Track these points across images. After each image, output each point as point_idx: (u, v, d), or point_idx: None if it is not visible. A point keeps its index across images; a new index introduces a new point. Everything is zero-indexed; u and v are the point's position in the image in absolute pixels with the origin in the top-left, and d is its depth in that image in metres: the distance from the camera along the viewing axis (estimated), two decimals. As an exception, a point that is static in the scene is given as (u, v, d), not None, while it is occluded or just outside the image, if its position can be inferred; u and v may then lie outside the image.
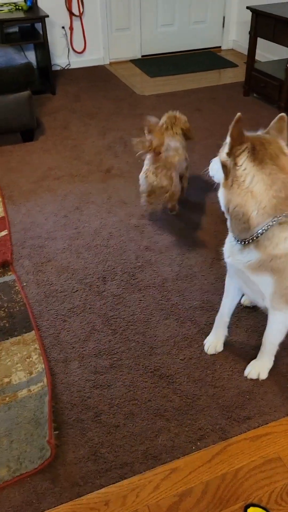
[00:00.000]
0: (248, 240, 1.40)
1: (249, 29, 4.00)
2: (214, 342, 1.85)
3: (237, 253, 1.49)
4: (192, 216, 2.62)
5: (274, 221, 1.33)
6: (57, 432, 1.56)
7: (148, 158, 2.33)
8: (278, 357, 1.75)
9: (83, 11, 4.71)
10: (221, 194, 1.41)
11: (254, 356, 1.78)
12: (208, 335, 1.90)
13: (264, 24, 3.80)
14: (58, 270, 2.27)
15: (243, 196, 1.32)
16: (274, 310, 1.57)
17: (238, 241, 1.45)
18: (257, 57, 4.20)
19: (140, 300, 2.10)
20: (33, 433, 1.54)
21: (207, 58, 5.22)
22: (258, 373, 1.74)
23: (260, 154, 1.29)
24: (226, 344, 1.87)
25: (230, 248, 1.53)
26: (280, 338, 1.67)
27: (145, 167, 2.36)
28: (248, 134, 1.34)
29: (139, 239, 2.48)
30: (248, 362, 1.77)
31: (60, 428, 1.58)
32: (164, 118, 2.62)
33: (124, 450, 1.52)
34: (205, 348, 1.85)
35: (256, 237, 1.38)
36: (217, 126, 3.65)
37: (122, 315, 2.02)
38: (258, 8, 3.81)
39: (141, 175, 2.38)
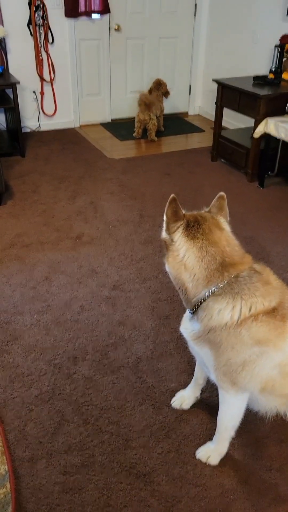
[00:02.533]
0: (192, 310, 1.44)
1: (213, 97, 4.17)
2: (182, 398, 1.86)
3: (186, 322, 1.53)
4: (164, 288, 2.56)
5: (209, 292, 1.37)
6: None
7: (139, 106, 4.64)
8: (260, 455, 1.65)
9: (54, 77, 4.81)
10: (166, 267, 1.48)
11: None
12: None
13: (229, 96, 3.96)
14: (25, 349, 2.13)
15: (178, 269, 1.40)
16: (222, 390, 1.52)
17: (190, 310, 1.49)
18: (224, 124, 4.36)
19: (114, 383, 1.97)
20: None
21: (175, 123, 5.39)
22: (208, 457, 1.65)
23: (193, 230, 1.38)
24: (205, 434, 1.75)
25: (184, 317, 1.58)
26: (232, 422, 1.58)
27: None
28: (187, 212, 1.43)
29: (111, 313, 2.38)
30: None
31: None
32: (152, 83, 4.90)
33: None
34: (173, 399, 1.87)
35: (196, 308, 1.42)
36: (186, 191, 3.69)
37: (94, 402, 1.88)
38: (223, 81, 3.99)
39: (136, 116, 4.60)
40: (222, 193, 1.47)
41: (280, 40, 4.10)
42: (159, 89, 4.90)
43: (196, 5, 5.18)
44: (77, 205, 3.46)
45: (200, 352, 1.49)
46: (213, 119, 4.34)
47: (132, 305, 2.43)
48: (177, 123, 5.40)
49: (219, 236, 1.40)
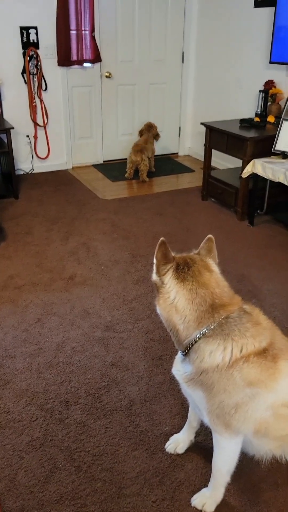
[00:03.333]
0: (184, 352, 1.44)
1: (202, 138, 4.31)
2: (177, 442, 1.83)
3: (178, 364, 1.53)
4: (156, 328, 2.55)
5: (201, 334, 1.37)
6: None
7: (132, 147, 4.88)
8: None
9: (47, 122, 4.96)
10: (157, 310, 1.48)
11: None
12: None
13: (217, 138, 4.09)
14: (17, 394, 2.10)
15: (169, 311, 1.41)
16: (215, 434, 1.50)
17: (181, 352, 1.48)
18: (213, 164, 4.47)
19: (106, 428, 1.93)
20: None
21: (166, 164, 5.53)
22: (203, 504, 1.61)
23: (183, 273, 1.40)
24: (200, 480, 1.71)
25: (177, 358, 1.57)
26: (227, 466, 1.55)
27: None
28: (177, 255, 1.45)
29: (104, 354, 2.36)
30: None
31: None
32: (143, 126, 5.11)
33: None
34: (167, 443, 1.84)
35: (188, 350, 1.41)
36: (178, 231, 3.74)
37: (87, 447, 1.84)
38: (211, 124, 4.13)
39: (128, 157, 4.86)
40: (210, 235, 1.51)
41: (264, 85, 4.28)
42: (150, 131, 5.09)
43: (183, 53, 5.43)
44: (69, 246, 3.50)
45: (192, 394, 1.48)
46: (203, 159, 4.47)
47: (125, 346, 2.42)
48: (168, 164, 5.54)
49: (208, 278, 1.42)
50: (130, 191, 4.72)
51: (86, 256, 3.34)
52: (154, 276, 1.45)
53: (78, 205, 4.27)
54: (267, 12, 4.25)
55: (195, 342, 1.40)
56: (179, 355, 1.54)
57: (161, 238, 1.40)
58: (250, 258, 3.33)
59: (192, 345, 1.41)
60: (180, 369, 1.51)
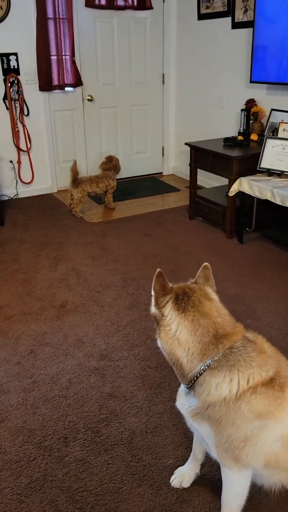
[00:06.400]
0: (188, 385, 1.39)
1: (185, 157, 4.33)
2: (182, 476, 1.77)
3: (182, 397, 1.47)
4: (153, 354, 2.50)
5: (205, 366, 1.34)
6: None
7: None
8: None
9: (30, 147, 4.93)
10: (158, 343, 1.43)
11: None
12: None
13: (202, 157, 4.11)
14: (12, 432, 2.01)
15: (171, 344, 1.36)
16: (224, 467, 1.45)
17: (185, 385, 1.43)
18: (198, 182, 4.48)
19: (108, 464, 1.86)
20: None
21: (151, 184, 5.54)
22: None
23: (183, 303, 1.36)
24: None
25: (180, 391, 1.52)
26: (237, 501, 1.49)
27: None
28: (174, 285, 1.41)
29: (101, 385, 2.30)
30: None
31: None
32: (104, 158, 4.81)
33: None
34: (172, 478, 1.78)
35: (192, 383, 1.37)
36: (167, 251, 3.72)
37: (89, 487, 1.77)
38: (195, 144, 4.16)
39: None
40: (206, 263, 1.48)
41: (246, 104, 4.34)
42: (108, 163, 4.75)
43: (163, 74, 5.50)
44: (59, 272, 3.44)
45: (199, 429, 1.43)
46: (187, 178, 4.50)
47: (122, 375, 2.36)
48: (153, 184, 5.55)
49: (209, 307, 1.38)
50: (117, 213, 4.69)
51: (76, 282, 3.28)
52: (153, 309, 1.40)
53: (65, 229, 4.23)
54: (245, 33, 4.33)
55: (200, 375, 1.35)
56: (182, 388, 1.49)
57: (158, 270, 1.36)
58: (242, 277, 3.32)
59: (197, 378, 1.36)
60: (184, 402, 1.46)
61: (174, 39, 5.36)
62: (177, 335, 1.35)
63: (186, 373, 1.38)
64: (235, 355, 1.34)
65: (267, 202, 3.53)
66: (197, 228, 4.21)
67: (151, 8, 5.13)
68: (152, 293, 1.39)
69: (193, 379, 1.37)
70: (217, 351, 1.34)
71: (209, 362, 1.34)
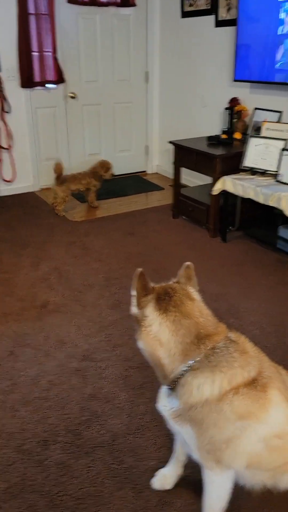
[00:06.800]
0: (170, 386, 1.36)
1: (169, 155, 4.31)
2: (164, 478, 1.74)
3: (164, 399, 1.45)
4: (135, 354, 2.47)
5: (187, 367, 1.31)
6: None
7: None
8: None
9: (12, 144, 4.85)
10: (139, 344, 1.40)
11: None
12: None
13: (185, 156, 4.09)
14: (-9, 436, 1.96)
15: (152, 345, 1.34)
16: (206, 469, 1.43)
17: (167, 387, 1.40)
18: (182, 181, 4.47)
19: (89, 467, 1.83)
20: None
21: (135, 182, 5.50)
22: None
23: (164, 303, 1.33)
24: (192, 516, 1.63)
25: (161, 393, 1.49)
26: (220, 503, 1.48)
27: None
28: (156, 285, 1.38)
29: (82, 386, 2.26)
30: None
31: None
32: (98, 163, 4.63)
33: None
34: (153, 480, 1.74)
35: (174, 384, 1.35)
36: (150, 250, 3.69)
37: (69, 490, 1.73)
38: (179, 142, 4.14)
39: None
40: (189, 262, 1.45)
41: (229, 103, 4.33)
42: (97, 167, 4.59)
43: (147, 72, 5.46)
44: (41, 271, 3.38)
45: (181, 430, 1.41)
46: (171, 176, 4.46)
47: (104, 376, 2.33)
48: (137, 182, 5.52)
49: (191, 307, 1.36)
50: (100, 211, 4.65)
51: (59, 282, 3.23)
52: (134, 309, 1.37)
53: (48, 228, 4.17)
54: (228, 32, 4.32)
55: (182, 376, 1.33)
56: (163, 389, 1.46)
57: (139, 269, 1.33)
58: (225, 276, 3.31)
59: (178, 379, 1.33)
60: (166, 404, 1.43)
61: (158, 36, 5.33)
62: (158, 336, 1.33)
63: (167, 374, 1.35)
64: (217, 356, 1.32)
65: (250, 200, 3.53)
66: (180, 227, 4.19)
67: (134, 5, 5.09)
68: (133, 293, 1.36)
69: (175, 380, 1.34)
70: (199, 351, 1.32)
71: (191, 363, 1.31)
